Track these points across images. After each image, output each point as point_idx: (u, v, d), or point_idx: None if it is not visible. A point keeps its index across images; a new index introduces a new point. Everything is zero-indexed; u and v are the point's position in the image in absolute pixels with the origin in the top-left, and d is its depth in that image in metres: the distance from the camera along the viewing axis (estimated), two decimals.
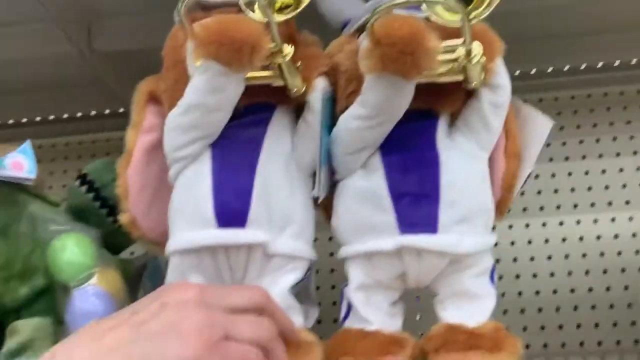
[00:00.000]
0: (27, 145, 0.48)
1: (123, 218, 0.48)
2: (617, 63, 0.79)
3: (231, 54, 0.39)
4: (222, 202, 0.42)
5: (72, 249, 0.47)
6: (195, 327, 0.31)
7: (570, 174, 0.81)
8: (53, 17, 0.59)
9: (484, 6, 0.39)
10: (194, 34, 0.40)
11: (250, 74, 0.43)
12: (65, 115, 0.82)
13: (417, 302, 0.61)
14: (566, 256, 0.79)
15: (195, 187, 0.43)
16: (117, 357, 0.30)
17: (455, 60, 0.40)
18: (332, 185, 0.47)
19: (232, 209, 0.42)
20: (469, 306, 0.42)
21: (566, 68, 0.80)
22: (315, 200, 0.47)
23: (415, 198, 0.42)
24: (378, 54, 0.37)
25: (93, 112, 0.80)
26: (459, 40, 0.39)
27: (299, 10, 0.41)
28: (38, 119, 0.82)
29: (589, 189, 0.80)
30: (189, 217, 0.43)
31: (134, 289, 0.55)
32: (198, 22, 0.41)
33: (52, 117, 0.82)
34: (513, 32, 0.64)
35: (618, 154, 0.81)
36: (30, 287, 0.48)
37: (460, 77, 0.42)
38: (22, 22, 0.62)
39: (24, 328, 0.46)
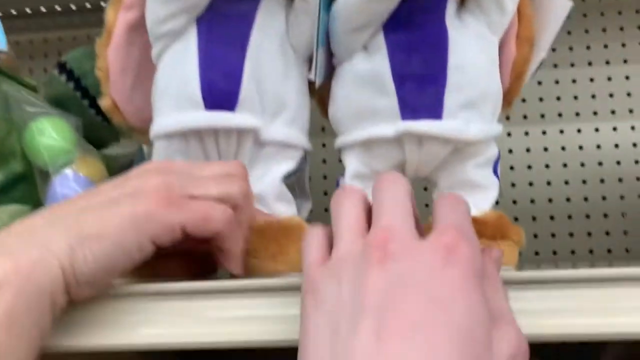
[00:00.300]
0: None
1: (103, 102, 0.44)
2: None
3: None
4: (209, 83, 0.39)
5: (50, 132, 0.44)
6: (155, 187, 0.30)
7: (574, 81, 0.78)
8: None
9: None
10: None
11: None
12: (44, 9, 0.76)
13: None
14: (564, 165, 0.78)
15: (180, 66, 0.40)
16: (77, 219, 0.29)
17: None
18: (331, 71, 0.44)
19: (220, 90, 0.39)
20: (472, 196, 0.40)
21: None
22: (311, 87, 0.44)
23: (420, 81, 0.39)
24: None
25: (73, 6, 0.75)
26: None
27: None
28: (14, 12, 0.76)
29: (593, 96, 0.78)
30: (174, 99, 0.39)
31: None
32: None
33: (29, 10, 0.76)
34: None
35: (625, 61, 0.78)
36: (6, 172, 0.46)
37: None
38: None
39: (1, 215, 0.44)
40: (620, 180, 0.77)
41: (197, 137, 0.39)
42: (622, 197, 0.76)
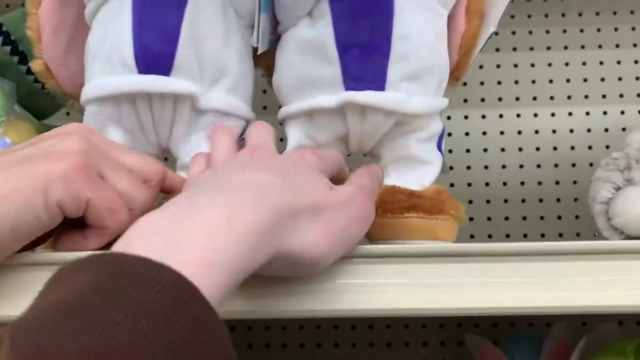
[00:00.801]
0: None
1: (35, 65, 0.42)
2: None
3: None
4: (143, 45, 0.37)
5: None
6: (72, 151, 0.29)
7: (532, 65, 0.78)
8: None
9: None
10: None
11: None
12: None
13: None
14: (520, 149, 0.78)
15: (112, 26, 0.38)
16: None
17: None
18: (275, 39, 0.42)
19: (155, 53, 0.37)
20: (414, 170, 0.39)
21: None
22: (258, 57, 0.42)
23: (364, 50, 0.38)
24: None
25: None
26: None
27: None
28: None
29: (550, 81, 0.78)
30: (106, 61, 0.38)
31: None
32: None
33: None
34: None
35: (582, 47, 0.78)
36: None
37: None
38: None
39: None
40: (574, 165, 0.77)
41: (131, 102, 0.38)
42: (575, 182, 0.77)
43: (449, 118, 0.76)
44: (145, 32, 0.37)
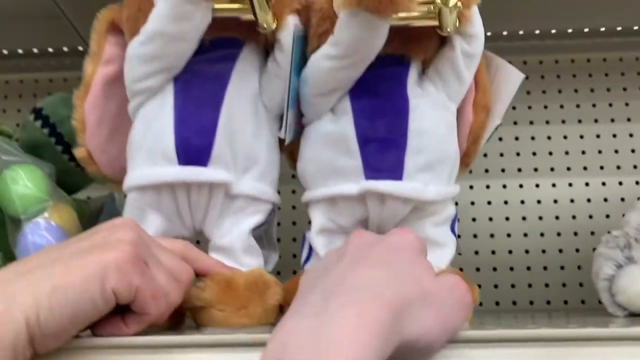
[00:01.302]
0: None
1: (78, 152, 0.46)
2: (586, 30, 0.80)
3: None
4: (184, 138, 0.41)
5: (24, 180, 0.45)
6: (124, 241, 0.32)
7: (533, 138, 0.82)
8: None
9: None
10: None
11: (218, 5, 0.41)
12: (21, 50, 0.77)
13: None
14: (523, 218, 0.80)
15: (156, 121, 0.41)
16: (46, 271, 0.30)
17: (431, 2, 0.39)
18: (300, 130, 0.46)
19: (194, 146, 0.41)
20: (430, 253, 0.42)
21: (537, 32, 0.80)
22: (281, 143, 0.46)
23: (382, 144, 0.42)
24: None
25: (51, 49, 0.76)
26: None
27: None
28: None
29: (550, 153, 0.81)
30: (149, 153, 0.41)
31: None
32: None
33: (5, 51, 0.77)
34: None
35: (580, 121, 0.82)
36: None
37: (435, 22, 0.41)
38: None
39: None
40: (575, 234, 0.80)
41: (170, 191, 0.41)
42: (577, 250, 0.79)
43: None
44: (185, 127, 0.41)
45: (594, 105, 0.82)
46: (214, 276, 0.39)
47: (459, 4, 0.40)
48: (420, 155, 0.42)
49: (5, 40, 0.75)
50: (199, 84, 0.42)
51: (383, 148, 0.42)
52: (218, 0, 0.41)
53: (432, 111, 0.43)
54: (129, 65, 0.42)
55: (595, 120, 0.82)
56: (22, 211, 0.44)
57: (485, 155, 0.82)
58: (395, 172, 0.41)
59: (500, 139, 0.82)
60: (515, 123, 0.82)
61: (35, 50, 0.77)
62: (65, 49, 0.76)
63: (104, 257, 0.31)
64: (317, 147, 0.44)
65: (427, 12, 0.40)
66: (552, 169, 0.81)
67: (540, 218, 0.80)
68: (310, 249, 0.44)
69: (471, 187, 0.81)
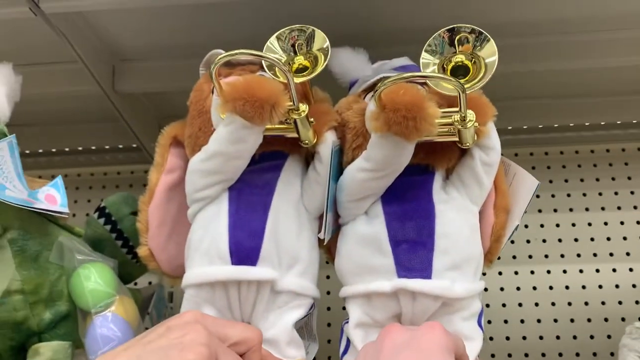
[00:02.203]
0: (58, 180, 0.53)
1: (141, 251, 0.52)
2: (603, 123, 0.84)
3: (254, 110, 0.44)
4: (236, 241, 0.46)
5: (95, 277, 0.51)
6: (196, 342, 0.35)
7: (558, 225, 0.85)
8: (81, 59, 0.64)
9: (478, 78, 0.44)
10: (222, 91, 0.45)
11: (268, 126, 0.47)
12: (93, 147, 0.86)
13: None
14: (552, 304, 0.82)
15: (212, 225, 0.47)
16: None
17: (451, 124, 0.45)
18: (337, 228, 0.52)
19: (245, 247, 0.46)
20: None
21: (556, 125, 0.85)
22: (321, 241, 0.51)
23: (412, 245, 0.47)
24: (384, 117, 0.42)
25: (121, 145, 0.84)
26: (455, 108, 0.44)
27: (315, 73, 0.46)
28: (67, 149, 0.85)
29: (576, 240, 0.84)
30: (206, 253, 0.47)
31: (141, 317, 0.59)
32: (227, 79, 0.46)
33: (80, 148, 0.86)
34: (507, 93, 0.70)
35: (603, 208, 0.86)
36: (54, 312, 0.52)
37: (455, 138, 0.47)
38: (55, 62, 0.68)
39: (45, 350, 0.50)
40: (606, 320, 0.81)
41: (223, 287, 0.46)
42: (609, 337, 0.80)
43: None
44: (238, 231, 0.46)
45: (616, 193, 0.86)
46: None
47: (476, 124, 0.46)
48: (447, 256, 0.46)
49: (76, 140, 0.84)
50: (250, 192, 0.48)
51: (413, 249, 0.46)
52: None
53: (456, 214, 0.48)
54: (191, 178, 0.49)
55: (619, 208, 0.85)
56: (93, 305, 0.49)
57: (512, 242, 0.85)
58: (424, 271, 0.46)
59: (526, 226, 0.86)
60: (539, 211, 0.86)
61: (93, 148, 0.85)
62: (120, 146, 0.85)
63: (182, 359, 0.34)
64: (352, 246, 0.49)
65: (448, 131, 0.46)
66: (578, 255, 0.84)
67: (569, 304, 0.82)
68: (348, 341, 0.48)
69: (500, 273, 0.84)
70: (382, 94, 0.42)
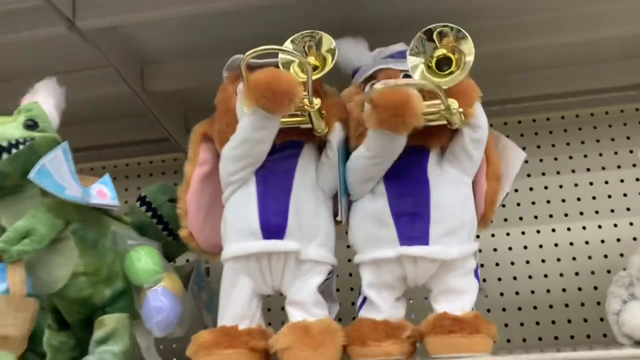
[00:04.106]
0: (106, 177, 0.61)
1: (182, 233, 0.60)
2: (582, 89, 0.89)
3: (273, 102, 0.51)
4: (265, 219, 0.55)
5: (145, 258, 0.60)
6: None
7: (546, 187, 0.91)
8: (111, 63, 0.72)
9: (458, 72, 0.51)
10: (246, 84, 0.52)
11: (285, 119, 0.55)
12: (127, 140, 0.94)
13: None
14: (543, 261, 0.89)
15: (243, 207, 0.56)
16: None
17: (437, 112, 0.53)
18: (348, 206, 0.60)
19: (273, 224, 0.55)
20: (456, 299, 0.54)
21: (542, 94, 0.91)
22: (335, 217, 0.59)
23: (411, 217, 0.55)
24: (376, 116, 0.50)
25: (138, 139, 0.92)
26: (439, 101, 0.52)
27: (326, 71, 0.54)
28: (103, 144, 0.94)
29: (563, 200, 0.91)
30: (239, 231, 0.55)
31: None
32: (250, 75, 0.52)
33: (115, 142, 0.94)
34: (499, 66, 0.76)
35: (588, 169, 0.91)
36: (113, 289, 0.61)
37: (444, 122, 0.54)
38: (87, 68, 0.75)
39: (109, 321, 0.59)
40: (592, 272, 0.87)
41: (256, 259, 0.55)
42: (595, 288, 0.86)
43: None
44: (266, 210, 0.55)
45: (600, 155, 0.92)
46: (291, 325, 0.52)
47: (460, 108, 0.53)
48: (442, 224, 0.55)
49: (105, 135, 0.92)
50: (274, 177, 0.56)
51: (412, 220, 0.55)
52: (285, 115, 0.55)
53: (449, 187, 0.56)
54: (224, 164, 0.57)
55: (603, 168, 0.91)
56: (145, 282, 0.58)
57: (503, 206, 0.91)
58: (422, 239, 0.54)
59: (515, 190, 0.91)
60: (528, 175, 0.92)
61: (126, 141, 0.93)
62: (150, 138, 0.92)
63: None
64: (361, 220, 0.57)
65: (437, 117, 0.54)
66: (565, 215, 0.90)
67: (558, 260, 0.88)
68: (364, 298, 0.57)
69: (492, 235, 0.90)
70: (374, 96, 0.50)
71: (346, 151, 0.59)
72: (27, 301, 0.52)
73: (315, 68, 0.56)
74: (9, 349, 0.51)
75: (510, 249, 0.90)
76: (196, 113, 0.87)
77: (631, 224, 0.88)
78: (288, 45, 0.56)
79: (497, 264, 0.90)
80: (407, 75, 0.57)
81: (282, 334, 0.52)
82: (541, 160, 0.93)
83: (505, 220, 0.91)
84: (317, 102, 0.54)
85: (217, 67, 0.62)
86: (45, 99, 0.60)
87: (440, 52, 0.51)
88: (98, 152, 0.94)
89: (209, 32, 0.72)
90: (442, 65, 0.52)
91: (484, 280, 0.88)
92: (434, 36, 0.51)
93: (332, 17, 0.67)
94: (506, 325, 0.87)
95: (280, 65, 0.56)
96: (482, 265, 0.88)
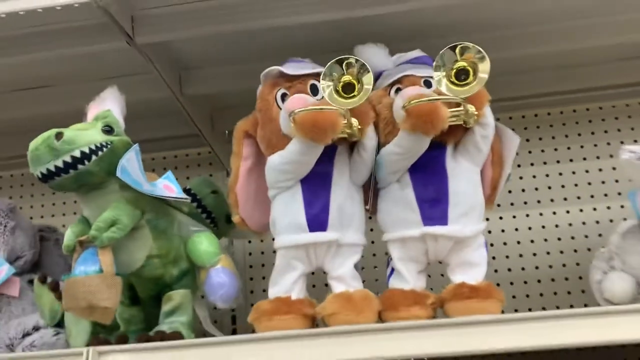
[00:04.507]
0: (169, 173, 0.70)
1: (235, 219, 0.70)
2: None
3: (319, 135, 0.61)
4: (311, 215, 0.65)
5: (206, 242, 0.70)
6: None
7: (534, 176, 1.01)
8: (152, 70, 0.80)
9: (475, 83, 0.61)
10: (295, 121, 0.61)
11: None
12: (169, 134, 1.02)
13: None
14: (532, 241, 0.98)
15: (290, 205, 0.66)
16: None
17: (458, 115, 0.64)
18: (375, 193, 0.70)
19: (318, 219, 0.65)
20: (471, 271, 0.65)
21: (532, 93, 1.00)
22: (365, 206, 0.70)
23: (433, 202, 0.66)
24: (410, 122, 0.61)
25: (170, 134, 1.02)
26: (460, 107, 0.63)
27: (360, 101, 0.62)
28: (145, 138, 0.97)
29: (549, 188, 1.01)
30: (289, 225, 0.65)
31: None
32: (299, 110, 0.61)
33: (161, 136, 1.02)
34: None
35: (571, 160, 1.02)
36: (179, 269, 0.71)
37: (461, 122, 0.65)
38: (132, 74, 0.84)
39: (175, 296, 0.69)
40: (575, 251, 0.97)
41: (304, 248, 0.65)
42: (577, 264, 0.96)
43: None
44: (311, 207, 0.65)
45: (581, 147, 1.02)
46: (336, 294, 0.63)
47: (476, 113, 0.64)
48: (458, 207, 0.65)
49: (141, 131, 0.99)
50: (315, 179, 0.66)
51: (433, 205, 0.66)
52: None
53: (463, 176, 0.67)
54: (273, 173, 0.67)
55: (584, 159, 1.02)
56: (207, 262, 0.68)
57: (509, 191, 0.98)
58: (442, 220, 0.65)
59: (520, 178, 0.99)
60: (519, 166, 1.01)
61: (164, 136, 1.02)
62: (180, 133, 1.00)
63: None
64: (390, 205, 0.68)
65: (456, 119, 0.64)
66: (552, 200, 1.00)
67: (545, 240, 0.98)
68: (392, 270, 0.68)
69: (487, 219, 0.98)
70: (409, 106, 0.61)
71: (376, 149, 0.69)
72: (116, 279, 0.62)
73: (349, 86, 0.62)
74: (106, 319, 0.61)
75: (503, 231, 1.00)
76: (223, 112, 0.97)
77: (608, 207, 0.99)
78: (333, 66, 0.63)
79: (492, 244, 0.98)
80: (427, 81, 0.68)
81: (328, 302, 0.63)
82: (530, 152, 1.02)
83: (499, 205, 0.96)
84: (355, 122, 0.64)
85: (238, 74, 0.74)
86: (113, 106, 0.69)
87: (461, 64, 0.61)
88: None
89: (233, 45, 0.82)
90: (461, 75, 0.62)
91: (493, 257, 0.96)
92: (457, 50, 0.61)
93: (347, 33, 0.77)
94: (513, 297, 0.95)
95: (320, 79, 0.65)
96: (491, 245, 0.93)
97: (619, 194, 0.99)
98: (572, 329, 0.56)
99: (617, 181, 1.00)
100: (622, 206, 0.98)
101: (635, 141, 0.77)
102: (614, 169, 1.01)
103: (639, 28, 0.85)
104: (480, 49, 0.61)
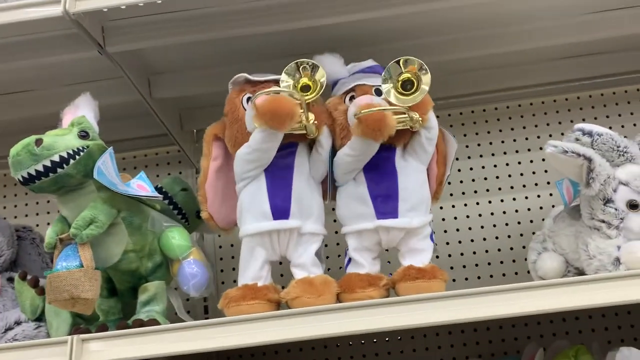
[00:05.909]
0: (142, 174, 0.76)
1: (203, 215, 0.77)
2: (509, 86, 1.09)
3: (278, 122, 0.68)
4: (275, 204, 0.72)
5: (178, 236, 0.76)
6: None
7: (483, 167, 1.10)
8: (123, 75, 0.85)
9: (418, 93, 0.69)
10: (256, 108, 0.68)
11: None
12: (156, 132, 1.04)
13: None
14: (482, 227, 1.07)
15: (255, 195, 0.73)
16: None
17: (404, 121, 0.71)
18: (334, 190, 0.77)
19: (281, 208, 0.72)
20: (419, 256, 0.73)
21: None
22: (324, 198, 0.77)
23: (384, 198, 0.73)
24: (361, 128, 0.68)
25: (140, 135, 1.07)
26: (405, 115, 0.71)
27: (316, 96, 0.70)
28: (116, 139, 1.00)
29: (497, 177, 1.09)
30: (253, 214, 0.72)
31: None
32: (259, 98, 0.69)
33: (132, 136, 1.07)
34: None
35: (517, 151, 1.10)
36: (153, 262, 0.76)
37: (408, 127, 0.73)
38: (104, 79, 0.89)
39: (151, 287, 0.75)
40: (521, 235, 1.06)
41: (268, 235, 0.72)
42: (523, 247, 1.02)
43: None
44: (274, 197, 0.72)
45: (514, 140, 1.10)
46: (298, 280, 0.70)
47: (420, 119, 0.71)
48: (407, 202, 0.73)
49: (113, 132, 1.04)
50: (278, 171, 0.73)
51: (385, 200, 0.73)
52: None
53: (412, 174, 0.75)
54: (240, 164, 0.73)
55: (528, 150, 1.10)
56: (180, 254, 0.74)
57: (449, 183, 1.07)
58: (393, 214, 0.73)
59: (459, 170, 1.09)
60: (469, 157, 1.10)
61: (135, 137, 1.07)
62: (150, 133, 1.06)
63: None
64: (347, 201, 0.75)
65: (403, 124, 0.72)
66: (499, 189, 1.08)
67: (494, 225, 1.07)
68: (349, 259, 0.76)
69: (441, 207, 1.07)
70: (361, 116, 0.68)
71: (332, 150, 0.76)
72: (96, 272, 0.67)
73: (306, 87, 0.71)
74: (87, 310, 0.66)
75: (455, 218, 1.09)
76: (191, 111, 1.04)
77: (551, 194, 1.07)
78: (292, 66, 0.71)
79: (445, 231, 1.08)
80: (377, 90, 0.75)
81: (291, 287, 0.70)
82: (479, 145, 1.11)
83: (451, 194, 1.08)
84: (311, 117, 0.71)
85: (205, 78, 0.80)
86: (87, 112, 0.74)
87: (406, 75, 0.69)
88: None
89: (198, 52, 0.88)
90: (407, 84, 0.70)
91: (436, 244, 1.05)
92: (401, 63, 0.69)
93: (307, 39, 0.83)
94: (454, 280, 1.04)
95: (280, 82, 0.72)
96: (433, 232, 1.04)
97: (548, 183, 1.08)
98: (503, 302, 0.64)
99: (546, 171, 1.09)
100: (550, 194, 1.07)
101: (562, 134, 0.84)
102: (543, 160, 1.09)
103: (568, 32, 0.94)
104: (423, 63, 0.69)
